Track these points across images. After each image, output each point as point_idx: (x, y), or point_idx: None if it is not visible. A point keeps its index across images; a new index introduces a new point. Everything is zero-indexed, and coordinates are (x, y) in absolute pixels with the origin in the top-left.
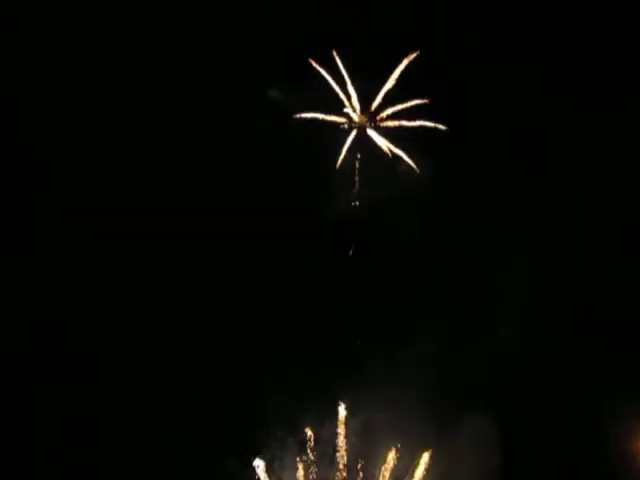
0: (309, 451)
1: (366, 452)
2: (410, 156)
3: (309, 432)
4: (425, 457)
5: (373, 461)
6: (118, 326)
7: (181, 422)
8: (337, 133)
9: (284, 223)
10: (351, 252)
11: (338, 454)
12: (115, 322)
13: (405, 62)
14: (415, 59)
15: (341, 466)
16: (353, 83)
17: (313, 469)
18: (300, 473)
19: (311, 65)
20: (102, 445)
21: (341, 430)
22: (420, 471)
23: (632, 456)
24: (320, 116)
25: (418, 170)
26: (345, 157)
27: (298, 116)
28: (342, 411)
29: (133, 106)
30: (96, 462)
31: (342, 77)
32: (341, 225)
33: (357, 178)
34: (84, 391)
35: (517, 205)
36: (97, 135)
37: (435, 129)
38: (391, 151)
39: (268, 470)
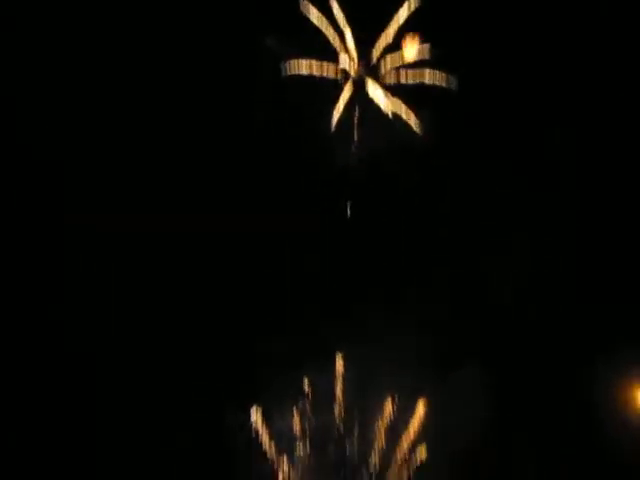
0: (306, 401)
1: (363, 402)
2: (412, 111)
3: (306, 382)
4: (421, 407)
5: (370, 411)
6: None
7: (178, 370)
8: (334, 88)
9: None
10: (349, 211)
11: (335, 404)
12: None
13: (406, 7)
14: (418, 6)
15: (337, 416)
16: (351, 32)
17: (310, 418)
18: (296, 421)
19: (305, 15)
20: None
21: (339, 380)
22: (416, 420)
23: (627, 416)
24: (315, 68)
25: (420, 127)
26: (342, 112)
27: (292, 69)
28: (340, 361)
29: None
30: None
31: (338, 26)
32: (339, 183)
33: (355, 134)
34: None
35: (523, 160)
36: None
37: (439, 82)
38: (391, 107)
39: (264, 419)
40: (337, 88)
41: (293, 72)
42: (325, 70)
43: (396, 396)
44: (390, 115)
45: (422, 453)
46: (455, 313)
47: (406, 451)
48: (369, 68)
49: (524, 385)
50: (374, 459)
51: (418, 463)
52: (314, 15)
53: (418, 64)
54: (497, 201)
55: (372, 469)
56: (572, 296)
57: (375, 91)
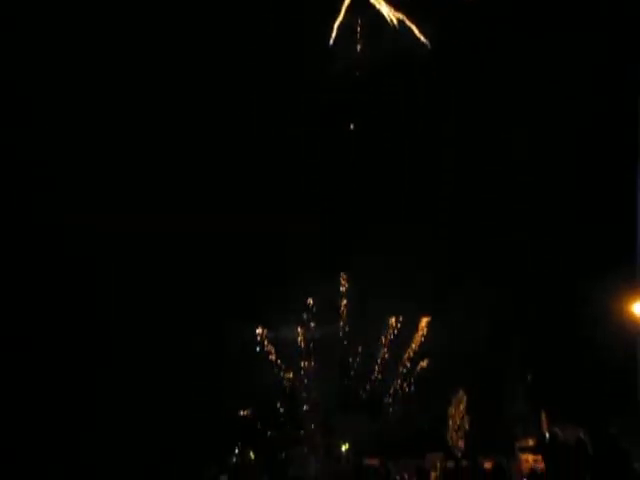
0: (310, 320)
1: (367, 320)
2: (417, 22)
3: (310, 301)
4: (423, 322)
5: (373, 328)
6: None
7: (189, 293)
8: None
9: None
10: (352, 126)
11: (339, 323)
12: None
13: None
14: None
15: (342, 334)
16: None
17: (315, 332)
18: (300, 339)
19: None
20: None
21: (342, 299)
22: (418, 336)
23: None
24: None
25: (425, 40)
26: (343, 22)
27: None
28: (343, 281)
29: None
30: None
31: None
32: (341, 96)
33: (358, 45)
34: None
35: (528, 77)
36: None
37: None
38: (395, 15)
39: (269, 337)
40: None
41: None
42: None
43: (399, 314)
44: (396, 23)
45: (424, 364)
46: (455, 232)
47: (408, 363)
48: None
49: (523, 297)
50: (377, 371)
51: (419, 371)
52: None
53: None
54: (509, 104)
55: (375, 379)
56: (571, 213)
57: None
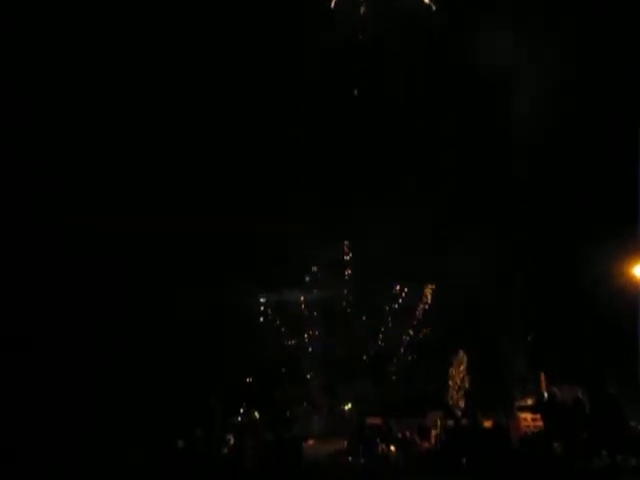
0: (314, 287)
1: (372, 289)
2: None
3: (315, 269)
4: (428, 289)
5: (379, 296)
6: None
7: (192, 270)
8: None
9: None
10: (356, 91)
11: (344, 292)
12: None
13: None
14: None
15: (346, 302)
16: None
17: (318, 300)
18: (304, 306)
19: None
20: None
21: (347, 267)
22: (422, 303)
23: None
24: None
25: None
26: None
27: None
28: (348, 250)
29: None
30: None
31: None
32: (344, 60)
33: (362, 8)
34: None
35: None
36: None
37: None
38: None
39: (274, 303)
40: None
41: None
42: None
43: (403, 283)
44: None
45: (426, 331)
46: (456, 190)
47: (411, 330)
48: None
49: (525, 258)
50: (380, 339)
51: (422, 337)
52: None
53: None
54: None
55: (378, 346)
56: (573, 174)
57: None
